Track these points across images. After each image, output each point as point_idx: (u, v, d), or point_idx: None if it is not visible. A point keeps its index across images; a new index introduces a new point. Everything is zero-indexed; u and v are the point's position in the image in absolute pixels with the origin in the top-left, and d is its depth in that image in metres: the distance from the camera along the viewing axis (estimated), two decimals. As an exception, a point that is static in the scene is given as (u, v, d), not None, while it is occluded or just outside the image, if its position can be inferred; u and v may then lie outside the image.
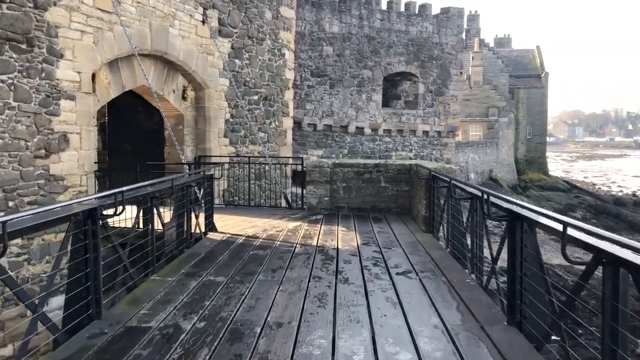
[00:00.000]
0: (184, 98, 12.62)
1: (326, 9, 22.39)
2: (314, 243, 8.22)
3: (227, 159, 13.52)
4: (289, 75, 16.47)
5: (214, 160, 12.93)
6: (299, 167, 12.76)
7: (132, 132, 12.99)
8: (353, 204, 11.64)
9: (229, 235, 8.81)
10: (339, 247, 7.93)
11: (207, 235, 8.84)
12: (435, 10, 25.21)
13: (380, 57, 23.59)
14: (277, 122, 15.92)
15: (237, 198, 13.94)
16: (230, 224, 9.98)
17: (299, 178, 12.71)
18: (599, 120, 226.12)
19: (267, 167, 12.70)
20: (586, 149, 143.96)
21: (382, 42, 23.56)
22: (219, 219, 10.46)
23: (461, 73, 25.47)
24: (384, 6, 23.92)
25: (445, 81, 25.13)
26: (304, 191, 12.21)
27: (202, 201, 9.05)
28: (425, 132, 25.03)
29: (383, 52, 23.61)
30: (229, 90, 13.47)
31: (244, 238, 8.62)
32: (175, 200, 7.64)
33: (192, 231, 8.62)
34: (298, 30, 21.64)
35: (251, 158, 13.97)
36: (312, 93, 22.67)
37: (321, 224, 9.94)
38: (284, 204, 12.70)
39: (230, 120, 13.75)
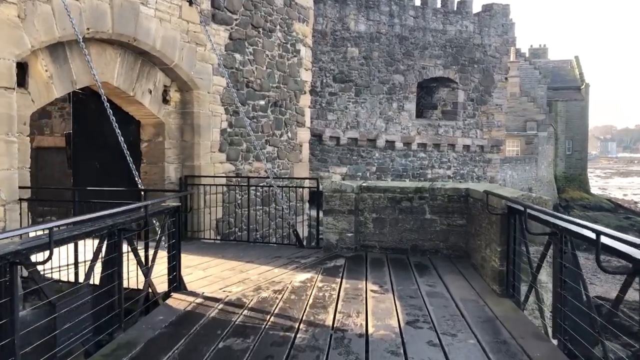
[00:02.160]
0: (165, 101, 9.72)
1: (351, 4, 19.47)
2: (329, 320, 5.10)
3: (223, 180, 10.56)
4: (306, 76, 13.51)
5: (204, 181, 9.98)
6: (316, 189, 9.73)
7: (102, 146, 10.12)
8: (387, 242, 8.53)
9: (200, 301, 5.77)
10: (369, 331, 4.80)
11: (169, 299, 5.84)
12: (477, 8, 22.12)
13: (414, 60, 20.52)
14: (289, 134, 12.93)
15: (236, 229, 10.94)
16: (213, 276, 6.97)
17: (318, 200, 9.71)
18: (632, 135, 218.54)
19: (277, 190, 9.71)
20: (620, 165, 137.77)
21: (416, 43, 20.50)
22: (199, 266, 7.48)
23: (506, 79, 22.22)
24: (417, 2, 20.89)
25: (488, 88, 21.90)
26: (321, 223, 9.18)
27: (165, 243, 6.11)
28: (466, 147, 21.78)
29: (417, 54, 20.54)
30: (226, 93, 10.54)
31: (221, 307, 5.57)
32: (100, 252, 4.65)
33: (148, 292, 5.67)
34: (319, 28, 18.76)
35: (253, 179, 10.99)
36: (335, 101, 19.68)
37: (342, 277, 6.83)
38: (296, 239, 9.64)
39: (228, 130, 10.80)
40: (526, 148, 48.03)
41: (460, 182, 21.60)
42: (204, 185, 9.92)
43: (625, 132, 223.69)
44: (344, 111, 19.81)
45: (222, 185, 10.33)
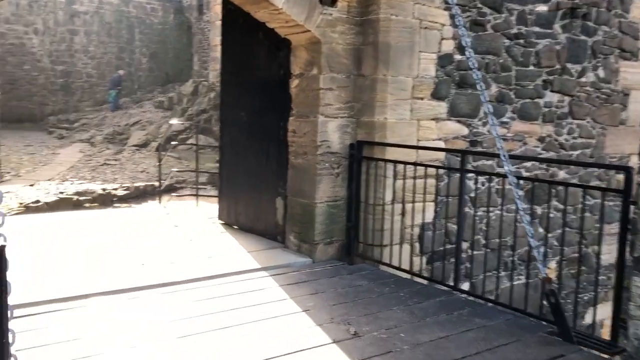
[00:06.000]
0: (329, 1, 5.19)
1: None
2: None
3: (438, 154, 5.58)
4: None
5: (392, 154, 5.18)
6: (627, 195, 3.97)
7: (250, 87, 6.31)
8: None
9: None
10: None
11: None
12: None
13: None
14: (602, 72, 6.89)
15: (464, 247, 5.86)
16: None
17: (624, 227, 4.02)
18: None
19: (514, 187, 4.39)
20: None
21: None
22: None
23: None
24: None
25: None
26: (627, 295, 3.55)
27: None
28: None
29: None
30: (458, -16, 5.35)
31: None
32: None
33: None
34: None
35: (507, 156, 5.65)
36: None
37: None
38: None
39: (456, 58, 5.62)
40: None
41: None
42: (393, 162, 5.14)
43: None
44: None
45: (432, 166, 5.30)
